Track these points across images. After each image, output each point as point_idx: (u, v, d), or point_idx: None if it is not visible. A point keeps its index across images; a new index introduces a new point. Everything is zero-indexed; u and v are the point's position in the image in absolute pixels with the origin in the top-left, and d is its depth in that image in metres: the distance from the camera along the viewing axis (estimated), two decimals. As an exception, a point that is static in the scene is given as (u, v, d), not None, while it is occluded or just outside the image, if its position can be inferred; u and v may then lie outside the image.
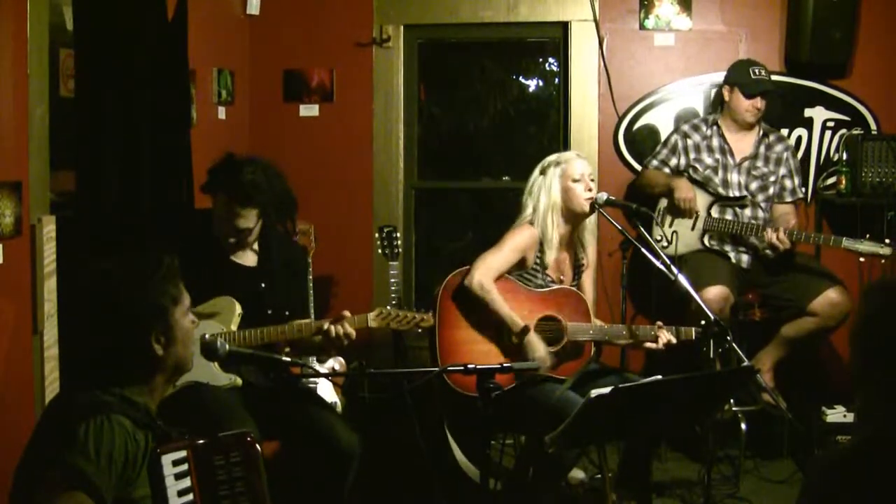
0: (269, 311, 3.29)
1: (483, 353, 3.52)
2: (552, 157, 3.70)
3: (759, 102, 4.37)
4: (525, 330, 3.48)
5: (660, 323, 3.53)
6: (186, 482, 2.02)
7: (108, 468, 1.92)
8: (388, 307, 3.28)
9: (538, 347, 3.47)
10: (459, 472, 3.82)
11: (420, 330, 3.42)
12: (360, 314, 3.25)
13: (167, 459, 2.01)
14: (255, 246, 3.37)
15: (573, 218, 3.64)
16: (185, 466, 2.03)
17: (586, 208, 3.60)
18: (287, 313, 3.33)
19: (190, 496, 2.02)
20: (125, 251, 2.20)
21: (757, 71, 4.38)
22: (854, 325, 1.74)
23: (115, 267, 2.13)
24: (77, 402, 2.03)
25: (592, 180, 3.64)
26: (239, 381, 3.17)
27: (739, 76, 4.42)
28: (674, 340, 3.49)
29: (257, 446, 2.15)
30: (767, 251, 4.32)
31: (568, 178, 3.60)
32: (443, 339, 3.56)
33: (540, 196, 3.63)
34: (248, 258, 3.36)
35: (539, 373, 3.43)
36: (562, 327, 3.57)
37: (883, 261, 3.95)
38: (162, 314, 2.09)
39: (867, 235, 3.94)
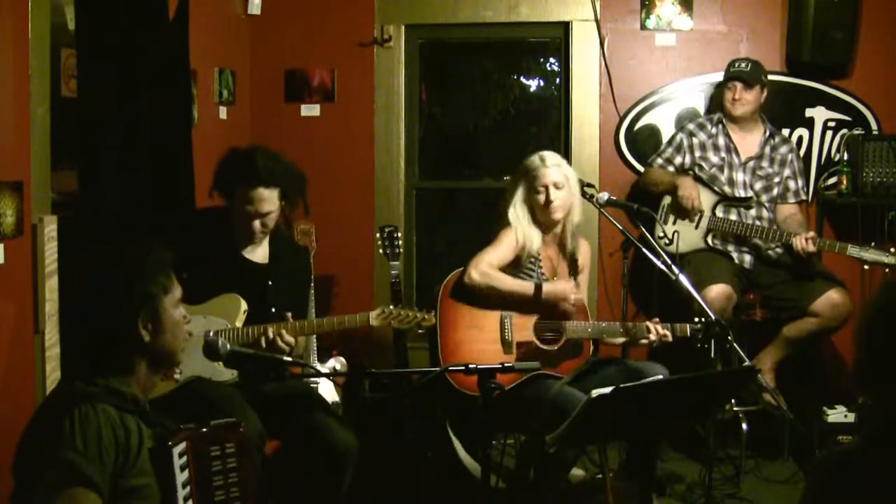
0: (273, 310, 3.31)
1: (485, 351, 3.53)
2: (526, 162, 3.72)
3: (737, 93, 4.37)
4: (539, 287, 3.51)
5: (656, 319, 3.54)
6: (186, 474, 2.03)
7: (99, 457, 1.91)
8: (391, 306, 3.29)
9: (559, 286, 3.56)
10: (460, 470, 3.82)
11: (421, 330, 3.43)
12: (363, 312, 3.27)
13: (176, 451, 2.02)
14: (266, 244, 3.41)
15: (540, 223, 3.69)
16: (185, 458, 2.04)
17: (553, 216, 3.64)
18: (289, 314, 3.35)
19: (189, 488, 2.03)
20: (118, 245, 2.20)
21: (737, 64, 4.41)
22: (859, 324, 1.73)
23: (106, 254, 2.14)
24: (60, 397, 2.03)
25: (559, 188, 3.64)
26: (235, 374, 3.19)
27: (725, 71, 4.46)
28: (669, 335, 3.51)
29: (248, 437, 2.17)
30: (778, 250, 4.32)
31: (530, 187, 3.66)
32: (444, 338, 3.57)
33: (511, 200, 3.69)
34: (259, 255, 3.41)
35: (565, 304, 3.55)
36: (561, 326, 3.58)
37: (887, 269, 3.95)
38: (151, 300, 2.09)
39: (872, 243, 3.94)
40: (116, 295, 2.06)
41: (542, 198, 3.63)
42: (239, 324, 3.18)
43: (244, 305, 3.20)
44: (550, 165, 3.66)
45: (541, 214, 3.66)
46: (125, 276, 2.08)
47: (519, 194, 3.68)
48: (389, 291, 3.91)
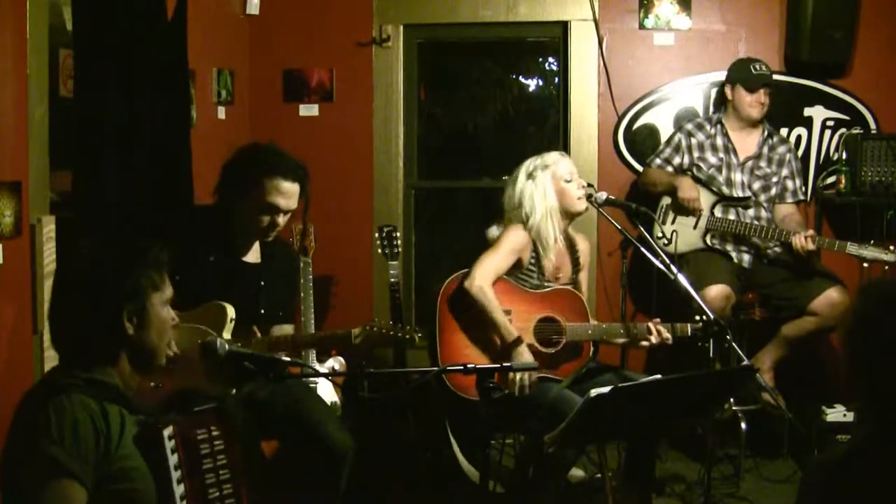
0: (263, 311, 3.30)
1: (484, 355, 3.53)
2: (537, 161, 3.68)
3: (762, 97, 4.38)
4: (517, 341, 3.47)
5: (657, 320, 3.54)
6: (176, 457, 2.04)
7: (77, 447, 1.90)
8: (374, 322, 3.18)
9: (525, 362, 3.42)
10: (459, 472, 3.83)
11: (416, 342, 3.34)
12: (344, 329, 3.20)
13: (167, 433, 2.02)
14: (257, 245, 3.39)
15: (568, 218, 3.67)
16: (174, 442, 2.04)
17: (582, 207, 3.62)
18: (280, 314, 3.34)
19: (180, 471, 2.03)
20: (115, 240, 2.21)
21: (758, 66, 4.40)
22: (848, 324, 1.73)
23: (102, 246, 2.14)
24: (38, 390, 2.03)
25: (580, 178, 3.66)
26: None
27: (740, 73, 4.43)
28: (669, 337, 3.50)
29: (233, 422, 2.17)
30: (776, 249, 4.33)
31: (560, 180, 3.63)
32: (443, 342, 3.56)
33: (535, 203, 3.61)
34: (252, 256, 3.39)
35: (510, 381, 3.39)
36: (561, 328, 3.58)
37: (886, 266, 3.95)
38: (138, 294, 2.08)
39: (871, 241, 3.94)
40: (104, 282, 2.06)
41: (575, 186, 3.62)
42: (227, 334, 3.09)
43: (231, 314, 3.10)
44: (567, 157, 3.69)
45: (573, 206, 3.62)
46: (116, 265, 2.08)
47: (548, 190, 3.62)
48: (389, 297, 3.91)
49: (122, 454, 1.97)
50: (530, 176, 3.66)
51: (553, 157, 3.70)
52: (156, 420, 2.05)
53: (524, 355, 3.45)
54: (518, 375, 3.37)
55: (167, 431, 2.03)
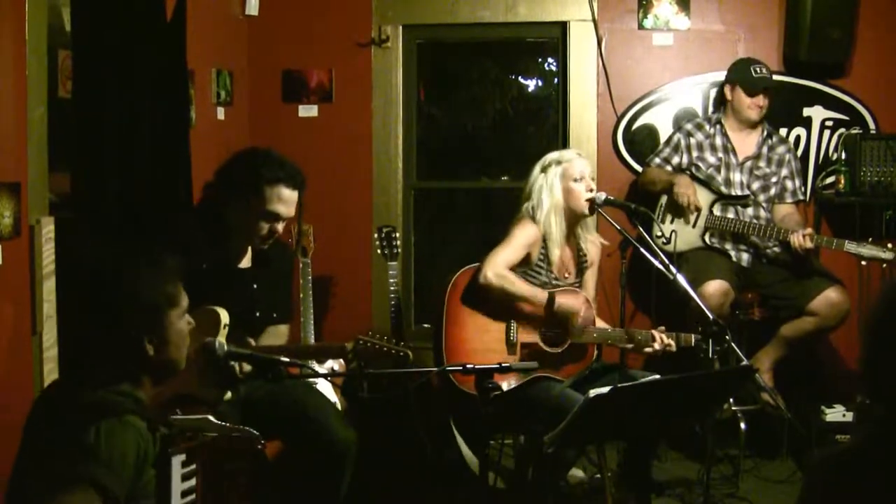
0: (258, 314, 3.28)
1: (490, 351, 3.53)
2: (553, 156, 3.70)
3: (761, 100, 4.38)
4: (551, 299, 3.50)
5: (662, 328, 3.53)
6: (192, 483, 2.02)
7: (121, 469, 1.91)
8: (368, 337, 3.14)
9: (570, 304, 3.54)
10: (460, 470, 3.82)
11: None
12: (339, 343, 3.19)
13: (177, 460, 2.00)
14: (250, 248, 3.37)
15: (574, 217, 3.66)
16: (192, 467, 2.02)
17: (586, 209, 3.61)
18: (275, 315, 3.33)
19: (192, 496, 2.02)
20: (125, 252, 2.19)
21: (758, 69, 4.40)
22: (865, 321, 1.73)
23: (115, 264, 2.12)
24: (82, 403, 2.01)
25: (593, 179, 3.66)
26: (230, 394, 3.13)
27: (741, 74, 4.43)
28: (673, 345, 3.50)
29: (265, 454, 2.15)
30: (775, 249, 4.33)
31: (569, 179, 3.62)
32: (449, 336, 3.57)
33: (542, 196, 3.64)
34: (245, 260, 3.36)
35: (574, 326, 3.52)
36: (566, 330, 3.58)
37: (884, 265, 3.95)
38: (157, 315, 2.08)
39: (870, 239, 3.95)
40: (123, 311, 2.05)
41: (583, 186, 3.61)
42: (221, 339, 3.10)
43: (225, 318, 3.05)
44: (584, 158, 3.70)
45: (577, 206, 3.61)
46: (133, 292, 2.06)
47: (555, 186, 3.63)
48: (388, 310, 3.90)
49: (148, 474, 1.98)
50: (544, 169, 3.69)
51: (569, 154, 3.71)
52: (173, 442, 2.03)
53: (564, 304, 3.53)
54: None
55: (179, 457, 2.01)
